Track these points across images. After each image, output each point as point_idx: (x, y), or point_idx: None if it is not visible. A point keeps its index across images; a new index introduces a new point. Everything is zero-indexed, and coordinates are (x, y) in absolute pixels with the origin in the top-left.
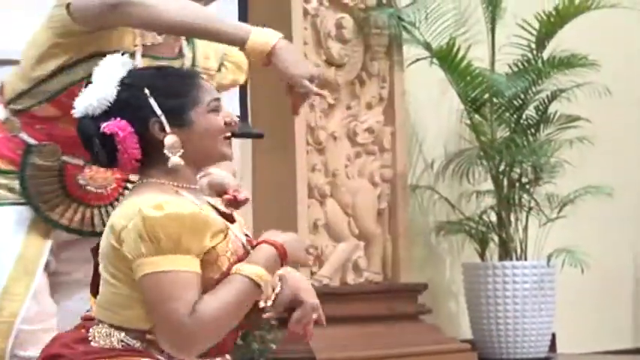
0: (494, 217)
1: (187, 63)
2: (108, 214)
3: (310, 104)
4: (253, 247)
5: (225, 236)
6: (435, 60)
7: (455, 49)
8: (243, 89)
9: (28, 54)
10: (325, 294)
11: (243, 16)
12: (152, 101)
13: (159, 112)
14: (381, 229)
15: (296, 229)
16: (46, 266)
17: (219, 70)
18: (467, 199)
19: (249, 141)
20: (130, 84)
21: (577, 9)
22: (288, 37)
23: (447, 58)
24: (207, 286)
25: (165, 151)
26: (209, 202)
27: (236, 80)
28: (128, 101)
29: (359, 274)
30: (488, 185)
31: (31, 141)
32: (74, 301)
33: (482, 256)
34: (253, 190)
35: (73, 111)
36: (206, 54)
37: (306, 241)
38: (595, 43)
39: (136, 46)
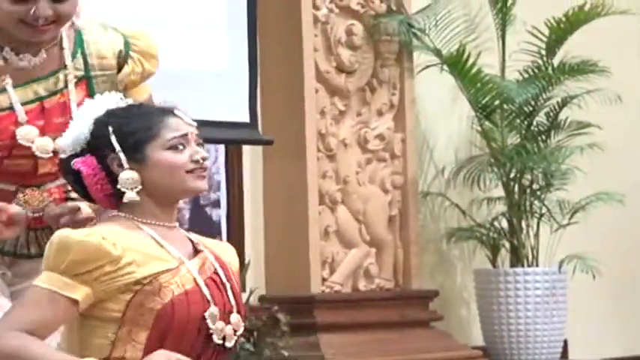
0: (505, 224)
1: (77, 73)
2: (46, 237)
3: (321, 111)
4: (215, 281)
5: (171, 271)
6: (445, 67)
7: (465, 56)
8: (253, 95)
9: None
10: (336, 301)
11: (252, 25)
12: (113, 138)
13: (117, 148)
14: (392, 235)
15: (307, 235)
16: (3, 276)
17: (121, 67)
18: (478, 206)
19: (259, 147)
20: (99, 122)
21: (587, 15)
22: (299, 43)
23: (457, 65)
24: (148, 317)
25: (119, 186)
26: (187, 237)
27: (149, 71)
28: (95, 139)
29: (370, 281)
30: (499, 192)
31: None
32: None
33: (493, 262)
34: (264, 197)
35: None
36: (101, 54)
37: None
38: (605, 49)
39: (3, 81)
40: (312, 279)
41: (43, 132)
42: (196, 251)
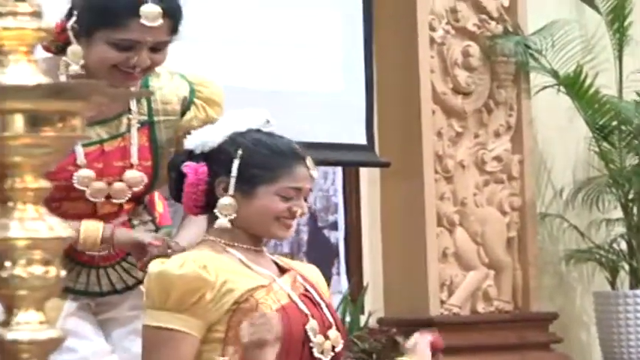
0: (624, 246)
1: (140, 118)
2: (116, 273)
3: (438, 132)
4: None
5: (264, 288)
6: (562, 87)
7: (582, 77)
8: (369, 117)
9: None
10: (455, 323)
11: (368, 46)
12: (235, 162)
13: (233, 173)
14: (510, 257)
15: (425, 257)
16: (88, 306)
17: (184, 113)
18: (596, 227)
19: (376, 169)
20: (234, 140)
21: None
22: (415, 64)
23: (574, 86)
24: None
25: (215, 210)
26: (273, 260)
27: (212, 117)
28: (220, 154)
29: (489, 303)
30: (618, 213)
31: None
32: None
33: (612, 284)
34: (382, 219)
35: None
36: (165, 99)
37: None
38: None
39: None
40: (431, 301)
41: (100, 175)
42: (282, 271)
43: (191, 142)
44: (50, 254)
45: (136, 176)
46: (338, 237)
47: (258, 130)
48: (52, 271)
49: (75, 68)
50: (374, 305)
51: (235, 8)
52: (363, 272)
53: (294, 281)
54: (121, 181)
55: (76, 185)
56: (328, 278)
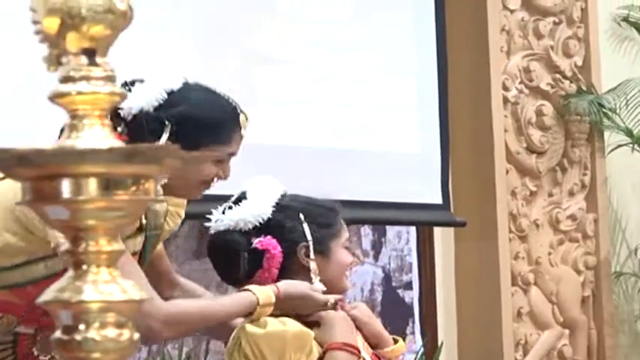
0: None
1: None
2: None
3: (512, 192)
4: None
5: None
6: (636, 146)
7: None
8: (445, 177)
9: None
10: None
11: (443, 107)
12: (305, 226)
13: (309, 237)
14: (585, 316)
15: (499, 316)
16: None
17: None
18: None
19: (451, 229)
20: (286, 206)
21: None
22: (489, 124)
23: None
24: None
25: (312, 275)
26: None
27: (181, 217)
28: (282, 222)
29: None
30: None
31: None
32: None
33: None
34: (456, 279)
35: (216, 224)
36: (157, 215)
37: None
38: None
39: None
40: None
41: None
42: None
43: (233, 221)
44: (124, 317)
45: None
46: (412, 296)
47: (296, 195)
48: (126, 333)
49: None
50: None
51: (314, 71)
52: (437, 331)
53: (363, 343)
54: None
55: None
56: (403, 337)
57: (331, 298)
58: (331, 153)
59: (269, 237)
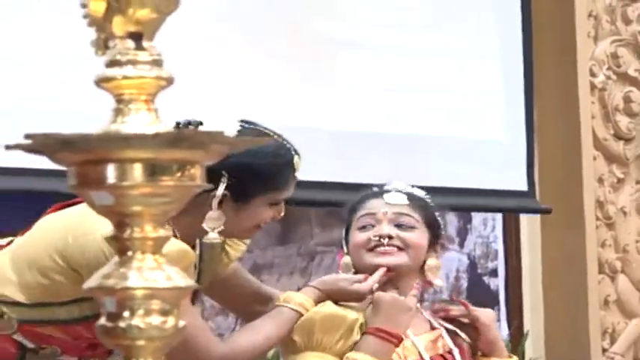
0: None
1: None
2: None
3: (599, 178)
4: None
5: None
6: None
7: None
8: (530, 164)
9: (29, 271)
10: None
11: (528, 93)
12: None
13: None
14: None
15: (586, 305)
16: None
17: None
18: None
19: (537, 216)
20: None
21: None
22: (576, 110)
23: None
24: None
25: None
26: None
27: (244, 245)
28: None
29: None
30: None
31: (27, 344)
32: None
33: None
34: (542, 266)
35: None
36: (213, 247)
37: None
38: None
39: None
40: (592, 349)
41: None
42: (432, 328)
43: None
44: (168, 304)
45: None
46: (498, 284)
47: None
48: (170, 321)
49: (214, 235)
50: (535, 353)
51: (396, 56)
52: (523, 319)
53: (435, 340)
54: None
55: None
56: None
57: (364, 285)
58: (416, 140)
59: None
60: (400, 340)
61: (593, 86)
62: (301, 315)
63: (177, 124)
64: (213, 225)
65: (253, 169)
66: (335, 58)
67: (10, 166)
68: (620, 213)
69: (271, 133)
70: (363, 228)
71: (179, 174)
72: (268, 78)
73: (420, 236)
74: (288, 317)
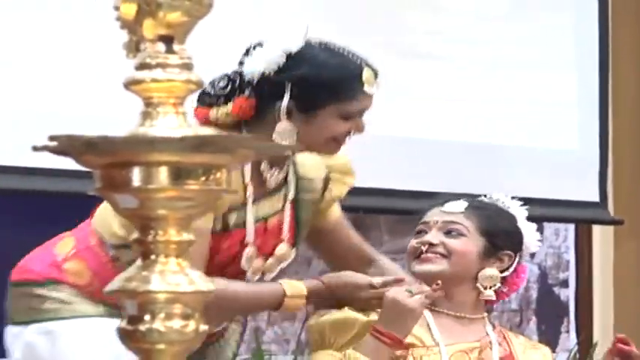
0: None
1: (291, 192)
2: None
3: None
4: None
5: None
6: None
7: None
8: (603, 174)
9: None
10: None
11: (603, 104)
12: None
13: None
14: None
15: None
16: None
17: (324, 191)
18: None
19: (609, 227)
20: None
21: None
22: None
23: None
24: None
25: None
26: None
27: (350, 184)
28: None
29: None
30: None
31: None
32: None
33: None
34: (614, 277)
35: None
36: (308, 176)
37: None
38: None
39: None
40: None
41: (259, 252)
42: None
43: None
44: (190, 308)
45: (287, 252)
46: (568, 294)
47: None
48: (192, 325)
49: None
50: None
51: (471, 67)
52: (592, 330)
53: (469, 351)
54: (272, 256)
55: (243, 264)
56: (557, 336)
57: (376, 280)
58: (489, 149)
59: None
60: (396, 340)
61: None
62: (283, 294)
63: (249, 47)
64: (283, 137)
65: (317, 79)
66: (409, 67)
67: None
68: None
69: (338, 48)
70: (417, 234)
71: (204, 178)
72: None
73: (467, 244)
74: (276, 291)
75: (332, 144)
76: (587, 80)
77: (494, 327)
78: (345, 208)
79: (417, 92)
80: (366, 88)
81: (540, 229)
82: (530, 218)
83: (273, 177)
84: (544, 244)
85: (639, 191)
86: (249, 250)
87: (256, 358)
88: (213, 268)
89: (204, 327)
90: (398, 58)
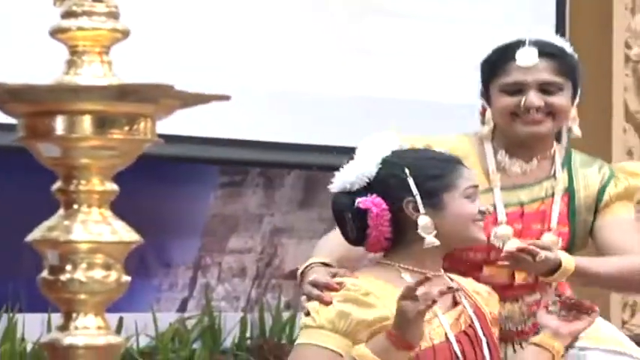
0: None
1: (563, 185)
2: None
3: (628, 151)
4: (469, 336)
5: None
6: None
7: None
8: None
9: None
10: (637, 343)
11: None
12: (410, 181)
13: (415, 191)
14: None
15: None
16: None
17: (602, 191)
18: None
19: None
20: (391, 162)
21: None
22: (609, 82)
23: None
24: None
25: (419, 231)
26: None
27: (633, 185)
28: (386, 179)
29: None
30: None
31: None
32: None
33: None
34: None
35: (330, 186)
36: (587, 180)
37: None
38: None
39: (493, 181)
40: (612, 322)
41: (518, 236)
42: (455, 303)
43: (341, 182)
44: (112, 258)
45: (554, 239)
46: None
47: (409, 149)
48: (113, 275)
49: (486, 129)
50: None
51: (430, 24)
52: None
53: (458, 317)
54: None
55: (493, 240)
56: None
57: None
58: (444, 107)
59: (374, 195)
60: (402, 343)
61: (627, 58)
62: None
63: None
64: (486, 121)
65: (482, 61)
66: (369, 25)
67: None
68: None
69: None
70: (469, 198)
71: (128, 127)
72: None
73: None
74: None
75: (516, 121)
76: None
77: (451, 279)
78: (299, 166)
79: (376, 50)
80: (519, 62)
81: None
82: None
83: (519, 167)
84: None
85: (594, 151)
86: (500, 229)
87: (206, 315)
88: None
89: (126, 277)
90: (356, 15)
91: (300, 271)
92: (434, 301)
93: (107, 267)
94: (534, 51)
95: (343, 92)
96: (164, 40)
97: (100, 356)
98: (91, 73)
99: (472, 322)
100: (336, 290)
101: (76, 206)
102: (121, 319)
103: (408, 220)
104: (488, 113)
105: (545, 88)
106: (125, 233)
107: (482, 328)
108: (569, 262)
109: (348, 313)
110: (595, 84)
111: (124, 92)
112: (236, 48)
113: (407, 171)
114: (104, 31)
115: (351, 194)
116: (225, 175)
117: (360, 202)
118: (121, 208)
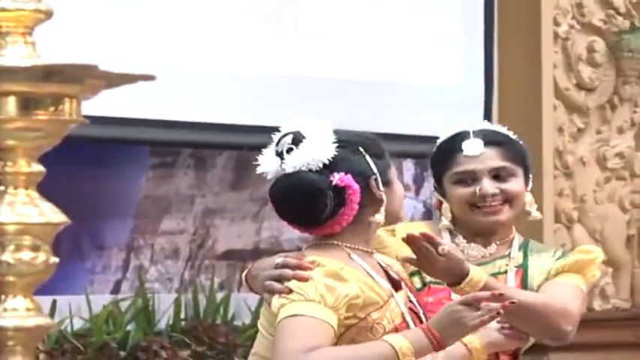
0: None
1: (516, 263)
2: None
3: (559, 128)
4: (418, 316)
5: (382, 307)
6: None
7: None
8: (488, 111)
9: None
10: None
11: (488, 41)
12: (369, 159)
13: (375, 170)
14: (629, 255)
15: None
16: None
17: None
18: None
19: None
20: (347, 141)
21: None
22: (538, 59)
23: None
24: None
25: (381, 208)
26: (380, 264)
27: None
28: (349, 157)
29: (606, 301)
30: None
31: None
32: None
33: None
34: None
35: (284, 166)
36: (540, 263)
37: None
38: None
39: None
40: None
41: None
42: (390, 279)
43: (294, 163)
44: (40, 240)
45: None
46: None
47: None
48: (41, 256)
49: (446, 223)
50: None
51: (360, 3)
52: None
53: (406, 295)
54: None
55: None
56: None
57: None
58: (375, 86)
59: (342, 173)
60: (442, 345)
61: (556, 35)
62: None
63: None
64: (445, 215)
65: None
66: (297, 3)
67: None
68: (579, 163)
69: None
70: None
71: (53, 108)
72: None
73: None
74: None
75: (475, 212)
76: (472, 17)
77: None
78: (230, 146)
79: (304, 28)
80: (465, 152)
81: (425, 167)
82: (413, 155)
83: (477, 251)
84: (429, 182)
85: (525, 128)
86: None
87: (140, 297)
88: None
89: (54, 259)
90: None
91: (244, 274)
92: (498, 313)
93: (35, 248)
94: (479, 141)
95: (273, 71)
96: (90, 20)
97: (29, 337)
98: (14, 54)
99: (410, 298)
100: (310, 269)
101: (2, 188)
102: (54, 302)
103: (370, 198)
104: (445, 206)
105: (497, 174)
106: (52, 214)
107: (417, 301)
108: (479, 273)
109: (334, 287)
110: (524, 61)
111: (48, 73)
112: (164, 28)
113: (361, 149)
114: (27, 12)
115: (319, 173)
116: (156, 156)
117: (339, 179)
118: (52, 190)
